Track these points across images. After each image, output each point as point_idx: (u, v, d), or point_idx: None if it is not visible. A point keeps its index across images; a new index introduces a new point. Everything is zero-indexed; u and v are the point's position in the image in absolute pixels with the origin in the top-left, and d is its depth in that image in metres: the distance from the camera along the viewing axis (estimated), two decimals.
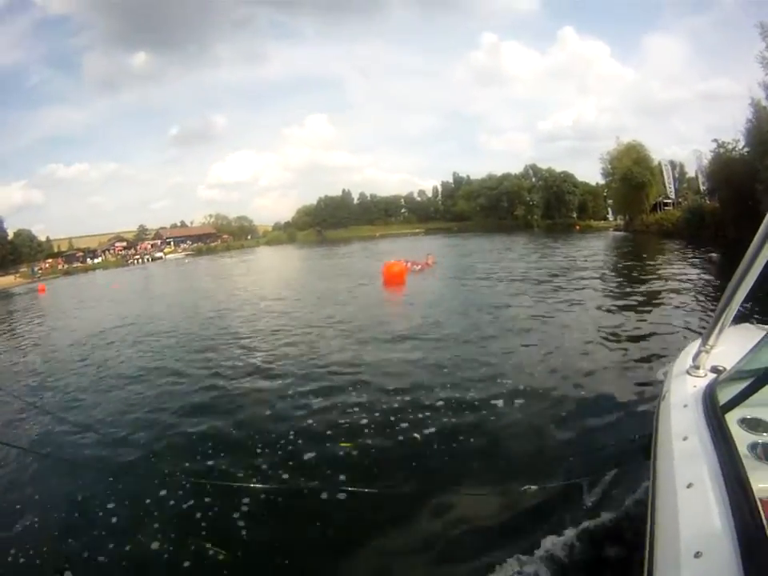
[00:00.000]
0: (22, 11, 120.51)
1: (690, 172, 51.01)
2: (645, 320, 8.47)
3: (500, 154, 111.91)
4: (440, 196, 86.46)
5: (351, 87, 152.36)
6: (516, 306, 10.49)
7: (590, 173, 74.61)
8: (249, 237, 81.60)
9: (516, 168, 77.18)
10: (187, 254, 69.92)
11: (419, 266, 18.16)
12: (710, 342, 2.11)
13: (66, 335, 12.53)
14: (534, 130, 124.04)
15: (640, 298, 10.59)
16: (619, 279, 14.12)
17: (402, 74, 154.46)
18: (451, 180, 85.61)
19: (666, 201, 47.31)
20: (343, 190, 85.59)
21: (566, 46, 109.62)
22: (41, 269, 69.46)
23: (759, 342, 1.87)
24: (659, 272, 14.73)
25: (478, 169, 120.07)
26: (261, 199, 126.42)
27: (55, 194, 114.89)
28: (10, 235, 73.60)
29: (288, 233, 79.81)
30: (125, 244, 78.12)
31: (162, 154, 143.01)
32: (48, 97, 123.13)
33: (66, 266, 71.33)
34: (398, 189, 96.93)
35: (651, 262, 18.17)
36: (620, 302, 10.18)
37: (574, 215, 67.18)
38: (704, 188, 38.45)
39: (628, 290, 12.02)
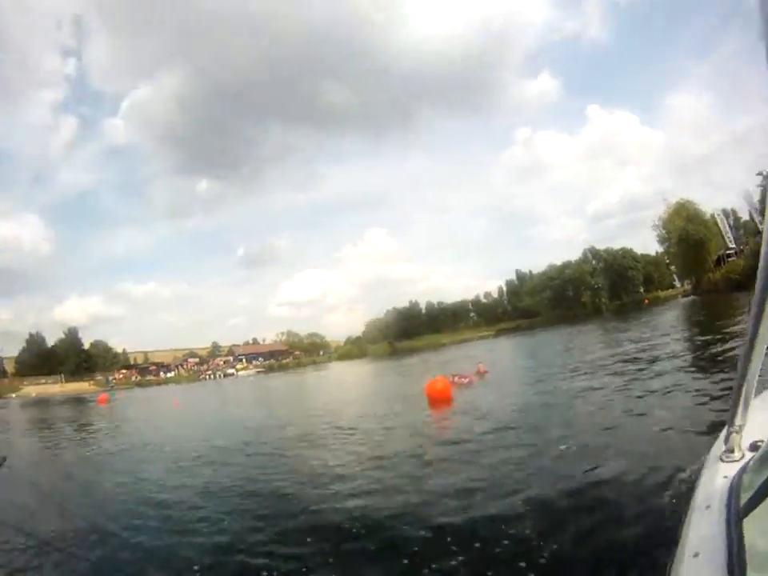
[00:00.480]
0: (92, 139, 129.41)
1: (744, 215, 48.85)
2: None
3: (555, 242, 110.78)
4: (505, 295, 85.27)
5: (401, 199, 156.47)
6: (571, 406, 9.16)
7: (648, 243, 74.18)
8: (321, 353, 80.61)
9: (574, 254, 77.08)
10: (258, 371, 70.15)
11: (467, 379, 15.01)
12: (737, 420, 1.82)
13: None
14: (583, 213, 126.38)
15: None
16: (697, 355, 12.67)
17: (446, 179, 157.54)
18: (514, 277, 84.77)
19: (728, 252, 44.87)
20: (410, 301, 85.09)
21: (595, 123, 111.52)
22: (115, 378, 70.93)
23: None
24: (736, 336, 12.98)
25: (537, 261, 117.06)
26: (331, 315, 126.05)
27: (130, 309, 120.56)
28: (87, 345, 76.46)
29: (359, 346, 78.27)
30: (197, 360, 79.85)
31: (230, 275, 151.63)
32: (119, 219, 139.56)
33: (139, 377, 72.10)
34: (463, 293, 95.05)
35: (726, 327, 16.33)
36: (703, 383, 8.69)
37: (641, 290, 66.02)
38: (761, 226, 34.60)
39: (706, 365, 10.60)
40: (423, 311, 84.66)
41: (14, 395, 63.90)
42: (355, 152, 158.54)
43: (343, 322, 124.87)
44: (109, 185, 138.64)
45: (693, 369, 10.55)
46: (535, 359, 21.78)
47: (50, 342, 77.82)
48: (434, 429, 9.87)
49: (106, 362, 77.17)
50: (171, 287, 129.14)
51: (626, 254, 67.86)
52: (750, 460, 1.71)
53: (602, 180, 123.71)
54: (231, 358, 79.73)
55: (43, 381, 71.60)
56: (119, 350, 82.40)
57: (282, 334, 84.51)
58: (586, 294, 69.18)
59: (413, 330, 78.99)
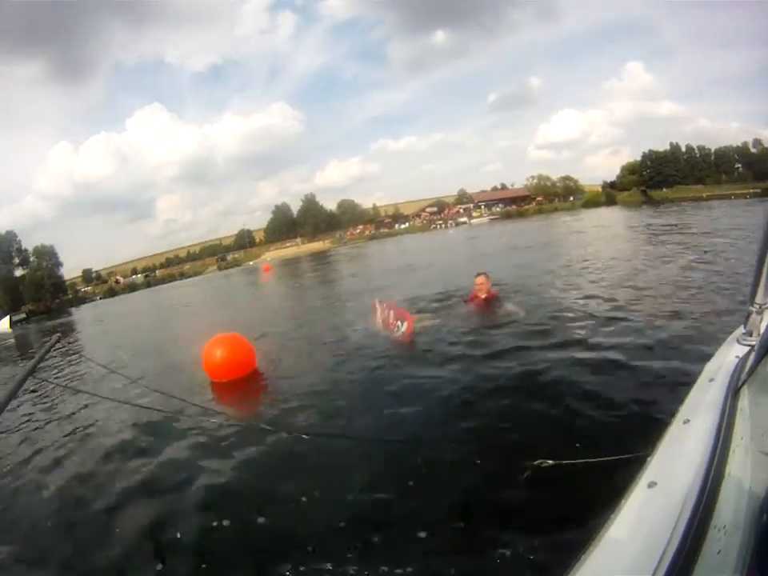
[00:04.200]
0: (313, 23, 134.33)
1: None
2: None
3: None
4: None
5: (664, 25, 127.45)
6: None
7: None
8: (572, 198, 73.97)
9: None
10: (492, 219, 67.41)
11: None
12: (758, 299, 1.67)
13: None
14: None
15: None
16: None
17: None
18: None
19: None
20: (671, 144, 71.46)
21: None
22: (350, 234, 76.62)
23: None
24: None
25: None
26: (593, 157, 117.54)
27: (388, 165, 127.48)
28: (334, 207, 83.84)
29: (607, 193, 69.51)
30: (435, 209, 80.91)
31: (484, 120, 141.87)
32: (364, 86, 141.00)
33: (373, 231, 76.39)
34: (735, 139, 75.54)
35: None
36: None
37: None
38: None
39: None
40: (685, 156, 70.84)
41: (251, 263, 71.63)
42: None
43: (605, 165, 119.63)
44: (344, 58, 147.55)
45: None
46: None
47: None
48: None
49: (352, 218, 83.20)
50: (427, 139, 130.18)
51: None
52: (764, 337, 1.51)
53: None
54: (471, 206, 78.83)
55: (288, 244, 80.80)
56: (369, 205, 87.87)
57: (533, 178, 78.99)
58: None
59: (669, 178, 67.62)
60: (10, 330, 34.06)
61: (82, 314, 39.09)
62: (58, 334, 3.98)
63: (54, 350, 5.57)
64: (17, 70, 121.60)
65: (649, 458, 1.24)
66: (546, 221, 39.14)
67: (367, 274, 18.26)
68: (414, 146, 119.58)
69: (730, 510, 0.99)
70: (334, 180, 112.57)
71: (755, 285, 1.64)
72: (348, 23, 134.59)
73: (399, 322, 5.90)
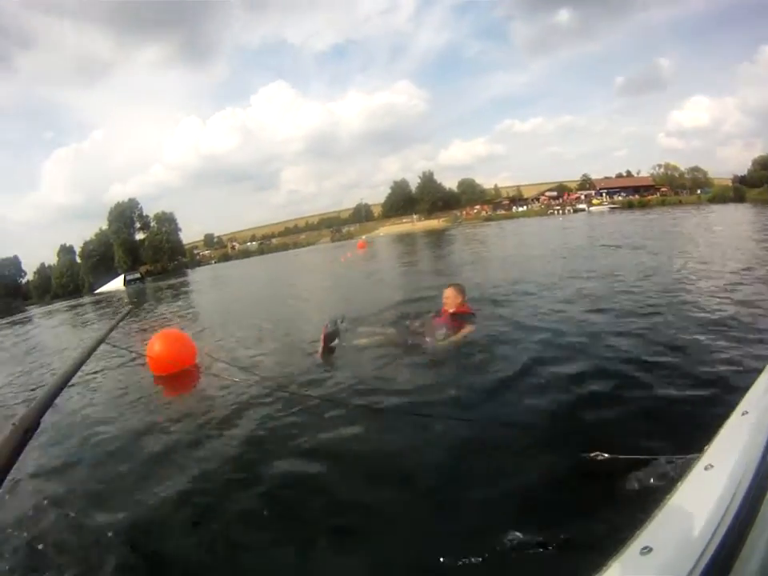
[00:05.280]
0: (434, 2, 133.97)
1: None
2: None
3: None
4: None
5: None
6: None
7: None
8: (699, 191, 66.00)
9: None
10: (612, 207, 62.34)
11: None
12: None
13: None
14: None
15: None
16: None
17: None
18: None
19: None
20: None
21: None
22: (466, 214, 74.99)
23: None
24: None
25: None
26: (724, 148, 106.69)
27: (514, 146, 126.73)
28: (454, 186, 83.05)
29: (736, 189, 60.48)
30: (554, 194, 77.45)
31: (611, 104, 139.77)
32: (486, 65, 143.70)
33: (489, 212, 74.16)
34: None
35: None
36: None
37: None
38: None
39: None
40: None
41: (363, 237, 73.55)
42: None
43: (736, 157, 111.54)
44: (466, 37, 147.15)
45: None
46: None
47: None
48: None
49: (472, 197, 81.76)
50: (554, 121, 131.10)
51: None
52: None
53: None
54: (593, 192, 73.92)
55: (405, 220, 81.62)
56: (490, 186, 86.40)
57: (659, 166, 72.47)
58: None
59: None
60: (124, 288, 38.55)
61: (195, 276, 43.16)
62: (131, 306, 3.89)
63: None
64: (147, 53, 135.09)
65: (706, 446, 1.26)
66: (672, 214, 34.38)
67: (474, 260, 16.51)
68: (541, 128, 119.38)
69: None
70: (459, 159, 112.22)
71: None
72: (469, 2, 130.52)
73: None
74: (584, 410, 3.19)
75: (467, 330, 5.29)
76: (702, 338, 4.32)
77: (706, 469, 1.13)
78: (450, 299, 5.69)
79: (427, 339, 5.25)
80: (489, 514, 2.28)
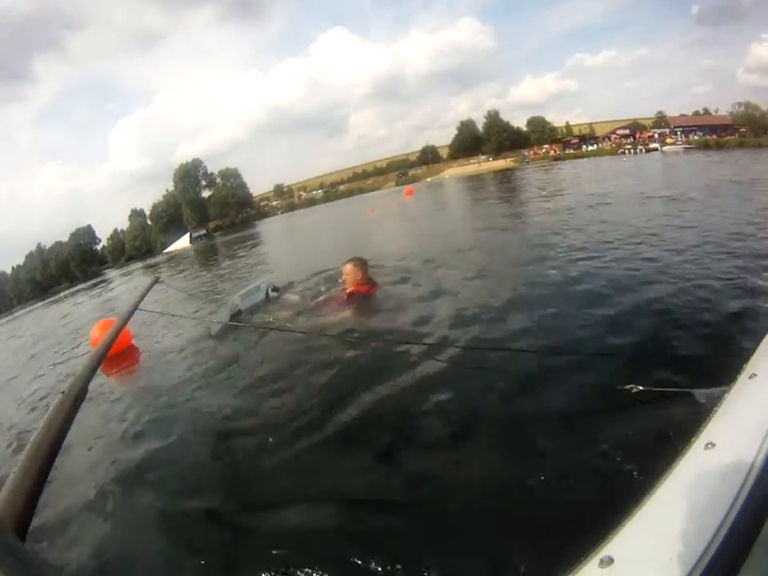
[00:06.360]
0: None
1: None
2: None
3: None
4: None
5: None
6: None
7: None
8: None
9: None
10: (687, 147, 57.06)
11: None
12: None
13: None
14: None
15: None
16: None
17: None
18: None
19: None
20: None
21: None
22: (535, 153, 71.78)
23: None
24: None
25: None
26: None
27: (587, 81, 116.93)
28: (522, 124, 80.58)
29: None
30: (627, 132, 72.06)
31: (689, 36, 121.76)
32: None
33: (557, 152, 70.70)
34: None
35: None
36: None
37: None
38: None
39: None
40: None
41: (428, 179, 71.87)
42: None
43: None
44: None
45: None
46: None
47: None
48: None
49: (542, 136, 78.19)
50: (628, 54, 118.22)
51: None
52: None
53: None
54: (667, 131, 67.98)
55: (473, 161, 79.39)
56: (560, 123, 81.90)
57: (739, 105, 65.44)
58: None
59: None
60: (190, 245, 40.62)
61: (261, 227, 45.05)
62: (157, 276, 4.79)
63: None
64: (200, 15, 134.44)
65: (708, 416, 1.16)
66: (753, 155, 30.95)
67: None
68: (614, 61, 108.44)
69: None
70: (530, 96, 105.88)
71: None
72: None
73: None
74: (623, 345, 3.26)
75: (345, 314, 4.85)
76: (754, 279, 4.17)
77: (706, 448, 1.02)
78: (349, 276, 5.21)
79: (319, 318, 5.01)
80: (528, 437, 2.42)
